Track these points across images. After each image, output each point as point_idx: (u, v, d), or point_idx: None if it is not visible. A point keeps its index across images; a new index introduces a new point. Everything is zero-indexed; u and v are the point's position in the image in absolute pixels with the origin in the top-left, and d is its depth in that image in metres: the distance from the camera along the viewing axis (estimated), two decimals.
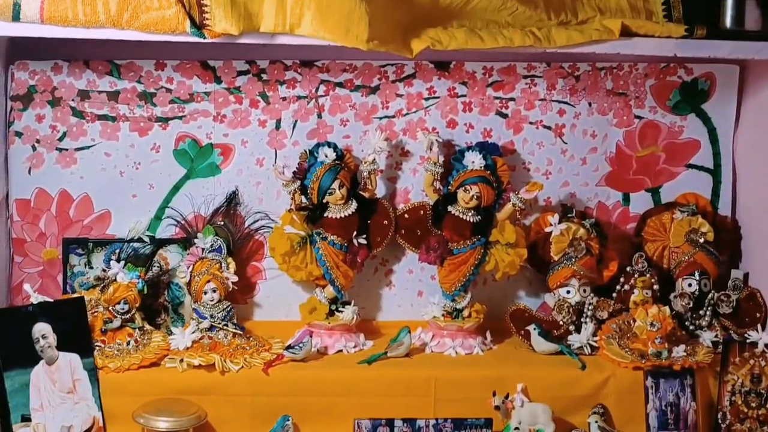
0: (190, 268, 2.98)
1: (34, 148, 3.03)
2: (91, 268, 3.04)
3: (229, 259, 3.02)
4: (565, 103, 3.18)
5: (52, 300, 2.86)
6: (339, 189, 3.00)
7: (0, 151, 3.00)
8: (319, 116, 3.13)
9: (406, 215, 3.13)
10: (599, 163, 3.23)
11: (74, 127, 3.04)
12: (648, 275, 3.08)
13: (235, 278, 3.00)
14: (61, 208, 3.07)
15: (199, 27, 2.70)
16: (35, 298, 2.77)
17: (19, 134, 3.02)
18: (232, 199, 3.11)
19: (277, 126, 3.12)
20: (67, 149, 3.05)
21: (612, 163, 3.24)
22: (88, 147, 3.05)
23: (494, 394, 2.77)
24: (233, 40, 2.73)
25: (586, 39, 2.89)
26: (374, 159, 3.04)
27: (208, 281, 2.95)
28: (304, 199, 3.04)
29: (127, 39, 2.73)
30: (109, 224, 3.09)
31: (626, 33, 2.90)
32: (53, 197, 3.06)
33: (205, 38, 2.71)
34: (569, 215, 3.13)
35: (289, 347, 2.89)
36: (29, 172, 3.04)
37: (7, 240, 3.06)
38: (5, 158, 3.02)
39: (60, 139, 3.04)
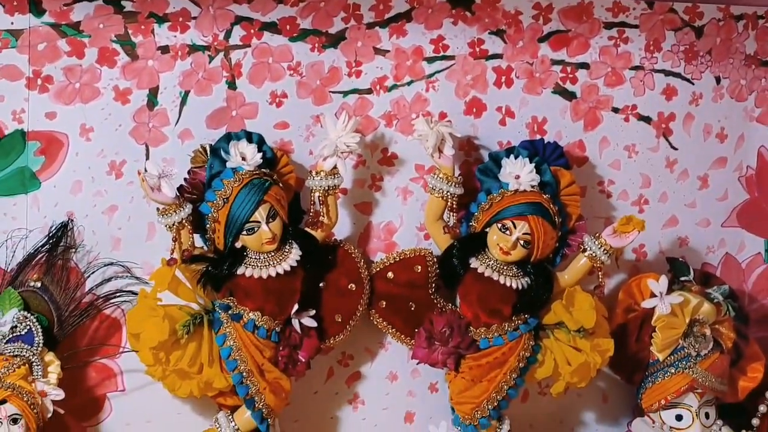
0: None
1: None
2: None
3: (49, 356, 1.57)
4: (677, 75, 1.85)
5: None
6: (267, 222, 1.58)
7: None
8: (231, 85, 1.69)
9: (389, 273, 1.70)
10: (729, 184, 1.91)
11: None
12: None
13: (60, 394, 1.55)
14: None
15: None
16: None
17: None
18: (61, 238, 1.65)
19: (151, 100, 1.67)
20: None
21: (750, 185, 1.92)
22: None
23: None
24: None
25: None
26: (334, 167, 1.62)
27: (1, 401, 1.50)
28: (199, 242, 1.60)
29: None
30: None
31: None
32: None
33: None
34: (683, 278, 1.82)
35: None
36: None
37: None
38: None
39: None
